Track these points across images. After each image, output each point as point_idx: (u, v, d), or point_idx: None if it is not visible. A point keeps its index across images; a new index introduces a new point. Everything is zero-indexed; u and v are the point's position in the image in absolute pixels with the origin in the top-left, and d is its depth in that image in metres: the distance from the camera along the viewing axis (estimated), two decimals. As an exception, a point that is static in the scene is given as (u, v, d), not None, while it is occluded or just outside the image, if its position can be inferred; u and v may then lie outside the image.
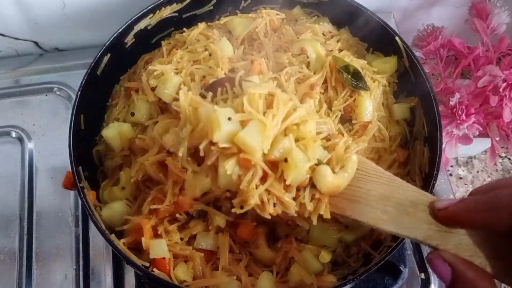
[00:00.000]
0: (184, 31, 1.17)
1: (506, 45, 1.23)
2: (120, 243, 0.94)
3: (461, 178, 1.27)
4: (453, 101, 1.17)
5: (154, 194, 0.97)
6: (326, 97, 1.06)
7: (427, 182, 0.96)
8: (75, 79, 1.30)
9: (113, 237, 0.94)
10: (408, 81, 1.10)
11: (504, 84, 1.15)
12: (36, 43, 1.39)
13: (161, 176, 0.97)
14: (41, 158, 1.24)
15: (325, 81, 1.06)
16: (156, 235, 0.96)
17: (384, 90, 1.10)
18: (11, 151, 1.25)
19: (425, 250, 1.11)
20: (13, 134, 1.28)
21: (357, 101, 1.03)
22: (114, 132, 1.05)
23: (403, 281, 1.05)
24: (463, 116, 1.15)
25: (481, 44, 1.23)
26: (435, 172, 0.94)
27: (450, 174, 1.26)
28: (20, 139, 1.27)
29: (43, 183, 1.20)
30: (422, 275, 1.09)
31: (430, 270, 1.09)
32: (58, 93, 1.33)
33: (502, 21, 1.23)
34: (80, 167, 1.00)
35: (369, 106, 1.04)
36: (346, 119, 1.05)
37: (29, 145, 1.26)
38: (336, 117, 1.04)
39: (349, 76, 1.03)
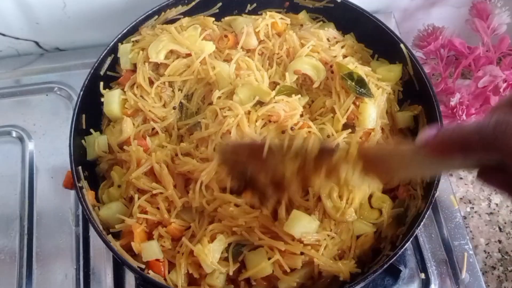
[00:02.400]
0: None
1: (506, 45, 1.23)
2: (117, 244, 0.94)
3: (461, 178, 1.27)
4: (453, 101, 1.17)
5: (142, 203, 0.97)
6: (330, 103, 1.06)
7: (428, 191, 0.96)
8: (76, 79, 1.30)
9: (110, 238, 0.94)
10: (412, 89, 1.10)
11: (505, 85, 1.15)
12: (36, 43, 1.39)
13: (154, 184, 0.98)
14: (42, 158, 1.24)
15: (329, 87, 1.07)
16: (150, 238, 0.96)
17: (388, 97, 1.10)
18: (12, 151, 1.25)
19: (425, 250, 1.11)
20: (14, 134, 1.27)
21: (361, 108, 1.03)
22: (91, 141, 1.06)
23: (403, 281, 1.06)
24: (464, 116, 1.15)
25: (482, 44, 1.23)
26: (436, 182, 0.94)
27: (451, 174, 1.25)
28: (21, 139, 1.27)
29: (43, 183, 1.20)
30: (423, 275, 1.09)
31: (430, 270, 1.09)
32: (58, 92, 1.33)
33: (502, 21, 1.22)
34: (80, 167, 1.01)
35: (373, 113, 1.03)
36: (349, 125, 1.04)
37: (30, 144, 1.26)
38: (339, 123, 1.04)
39: (353, 83, 1.02)
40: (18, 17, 1.29)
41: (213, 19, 1.16)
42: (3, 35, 1.34)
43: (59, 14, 1.29)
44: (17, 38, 1.36)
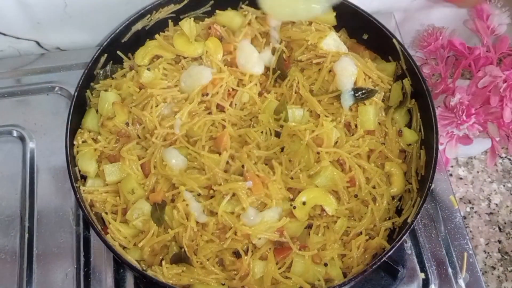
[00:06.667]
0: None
1: (506, 46, 1.23)
2: (116, 244, 0.94)
3: (461, 178, 1.27)
4: (453, 102, 1.17)
5: None
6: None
7: (423, 184, 0.97)
8: (77, 78, 1.30)
9: (108, 237, 0.95)
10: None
11: (505, 85, 1.15)
12: (37, 43, 1.39)
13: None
14: (42, 158, 1.24)
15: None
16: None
17: (385, 95, 1.10)
18: (12, 151, 1.25)
19: (425, 250, 1.12)
20: (14, 134, 1.28)
21: (360, 111, 1.04)
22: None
23: (403, 281, 1.06)
24: (464, 117, 1.15)
25: (482, 45, 1.24)
26: (431, 174, 0.95)
27: (450, 175, 1.26)
28: (22, 139, 1.27)
29: (44, 182, 1.20)
30: (422, 275, 1.09)
31: (430, 270, 1.09)
32: (59, 92, 1.33)
33: (502, 21, 1.23)
34: (77, 167, 1.01)
35: (373, 115, 1.04)
36: (346, 124, 1.05)
37: (30, 144, 1.26)
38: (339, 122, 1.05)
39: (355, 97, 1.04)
40: (19, 17, 1.29)
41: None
42: (4, 34, 1.34)
43: (60, 14, 1.30)
44: (18, 38, 1.36)
